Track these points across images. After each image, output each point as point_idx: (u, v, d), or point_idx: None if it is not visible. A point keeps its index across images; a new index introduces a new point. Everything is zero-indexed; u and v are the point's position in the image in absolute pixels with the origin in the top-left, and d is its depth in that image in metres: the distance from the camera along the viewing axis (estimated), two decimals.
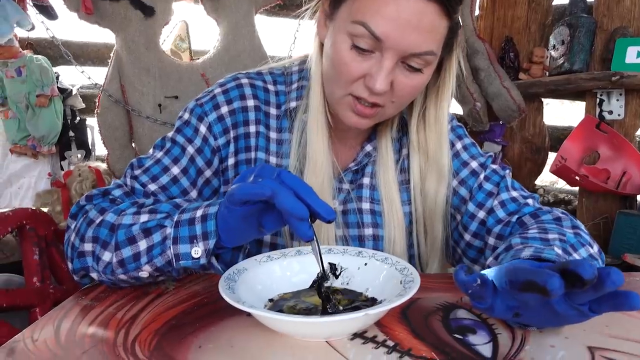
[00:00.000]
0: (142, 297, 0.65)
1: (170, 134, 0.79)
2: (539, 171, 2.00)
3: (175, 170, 0.76)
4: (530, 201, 0.80)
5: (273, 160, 0.80)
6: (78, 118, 1.78)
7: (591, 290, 0.39)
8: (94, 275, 0.66)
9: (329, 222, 0.52)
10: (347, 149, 0.85)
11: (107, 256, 0.63)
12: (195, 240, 0.58)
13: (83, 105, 1.80)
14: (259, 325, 0.53)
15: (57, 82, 1.71)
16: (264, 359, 0.49)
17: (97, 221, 0.66)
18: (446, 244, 0.86)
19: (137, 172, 0.76)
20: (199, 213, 0.59)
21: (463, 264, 0.47)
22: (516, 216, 0.77)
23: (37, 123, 1.63)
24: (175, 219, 0.60)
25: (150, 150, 0.79)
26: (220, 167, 0.79)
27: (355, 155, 0.84)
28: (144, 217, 0.63)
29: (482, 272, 0.48)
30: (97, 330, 0.56)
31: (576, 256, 0.62)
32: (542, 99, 2.06)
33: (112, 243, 0.63)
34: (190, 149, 0.77)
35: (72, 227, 0.69)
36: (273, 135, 0.81)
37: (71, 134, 1.74)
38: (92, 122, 1.87)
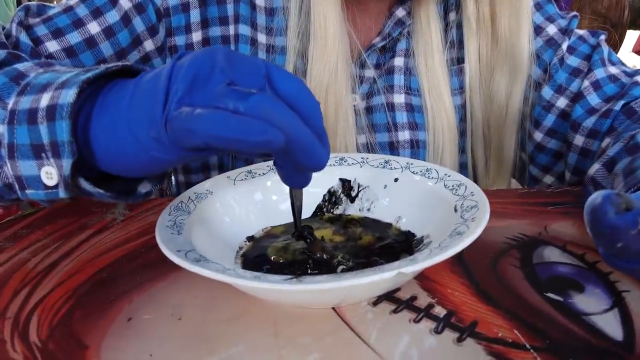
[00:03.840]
0: (75, 235, 0.46)
1: None
2: None
3: (94, 27, 0.50)
4: None
5: (262, 38, 0.55)
6: None
7: None
8: None
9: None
10: (368, 16, 0.58)
11: None
12: (43, 153, 0.30)
13: None
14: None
15: None
16: (227, 340, 0.29)
17: None
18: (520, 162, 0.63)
19: (34, 20, 0.49)
20: (45, 99, 0.30)
21: (609, 192, 0.23)
22: (621, 102, 0.52)
23: None
24: (9, 105, 0.31)
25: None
26: (167, 42, 0.54)
27: (382, 26, 0.58)
28: None
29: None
30: None
31: None
32: None
33: None
34: (125, 2, 0.50)
35: None
36: (260, 1, 0.55)
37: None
38: None
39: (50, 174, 0.30)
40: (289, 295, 0.29)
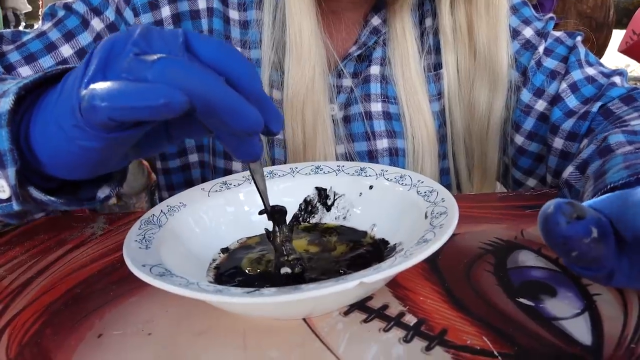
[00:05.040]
0: (52, 250, 0.45)
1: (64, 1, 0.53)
2: (599, 53, 1.65)
3: (67, 51, 0.50)
4: (617, 79, 0.54)
5: None
6: (23, 23, 1.51)
7: None
8: None
9: (273, 134, 0.29)
10: (344, 26, 0.58)
11: None
12: None
13: (29, 8, 1.52)
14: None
15: None
16: (195, 354, 0.29)
17: None
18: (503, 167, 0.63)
19: (7, 47, 0.50)
20: None
21: (561, 201, 0.23)
22: (598, 103, 0.52)
23: None
24: None
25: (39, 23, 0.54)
26: None
27: (357, 35, 0.58)
28: None
29: (586, 204, 0.25)
30: None
31: None
32: None
33: None
34: (98, 24, 0.51)
35: None
36: (234, 14, 0.55)
37: None
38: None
39: (2, 187, 0.30)
40: (252, 308, 0.29)
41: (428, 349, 0.28)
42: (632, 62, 1.81)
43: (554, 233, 0.24)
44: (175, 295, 0.27)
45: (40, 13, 1.43)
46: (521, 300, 0.32)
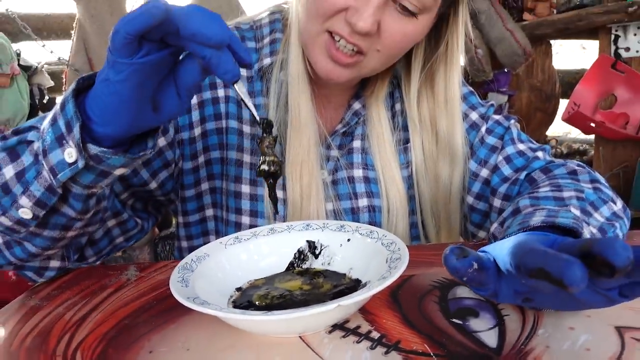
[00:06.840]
0: (98, 293, 0.57)
1: None
2: (550, 121, 1.87)
3: None
4: (540, 154, 0.70)
5: (247, 129, 0.70)
6: (47, 97, 1.68)
7: (623, 275, 0.30)
8: None
9: (247, 63, 0.42)
10: (332, 108, 0.74)
11: None
12: (64, 140, 0.43)
13: (52, 83, 1.69)
14: (221, 322, 0.45)
15: (18, 60, 1.59)
16: None
17: None
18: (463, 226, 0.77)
19: None
20: (59, 104, 0.44)
21: (454, 246, 0.37)
22: (524, 172, 0.67)
23: (1, 105, 1.52)
24: (40, 128, 0.46)
25: None
26: (177, 137, 0.69)
27: (342, 116, 0.74)
28: (10, 141, 0.48)
29: (482, 249, 0.39)
30: (37, 337, 0.48)
31: (597, 216, 0.52)
32: (551, 41, 1.91)
33: None
34: None
35: None
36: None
37: (41, 114, 1.62)
38: None
39: (70, 154, 0.43)
40: (264, 325, 0.41)
41: (386, 353, 0.40)
42: None
43: (448, 266, 0.37)
44: (204, 322, 0.39)
45: (63, 88, 1.60)
46: (454, 320, 0.45)
